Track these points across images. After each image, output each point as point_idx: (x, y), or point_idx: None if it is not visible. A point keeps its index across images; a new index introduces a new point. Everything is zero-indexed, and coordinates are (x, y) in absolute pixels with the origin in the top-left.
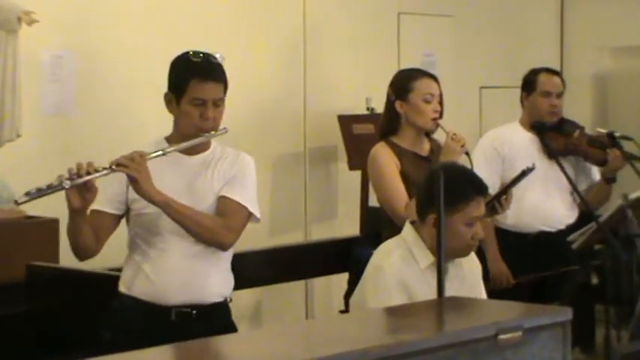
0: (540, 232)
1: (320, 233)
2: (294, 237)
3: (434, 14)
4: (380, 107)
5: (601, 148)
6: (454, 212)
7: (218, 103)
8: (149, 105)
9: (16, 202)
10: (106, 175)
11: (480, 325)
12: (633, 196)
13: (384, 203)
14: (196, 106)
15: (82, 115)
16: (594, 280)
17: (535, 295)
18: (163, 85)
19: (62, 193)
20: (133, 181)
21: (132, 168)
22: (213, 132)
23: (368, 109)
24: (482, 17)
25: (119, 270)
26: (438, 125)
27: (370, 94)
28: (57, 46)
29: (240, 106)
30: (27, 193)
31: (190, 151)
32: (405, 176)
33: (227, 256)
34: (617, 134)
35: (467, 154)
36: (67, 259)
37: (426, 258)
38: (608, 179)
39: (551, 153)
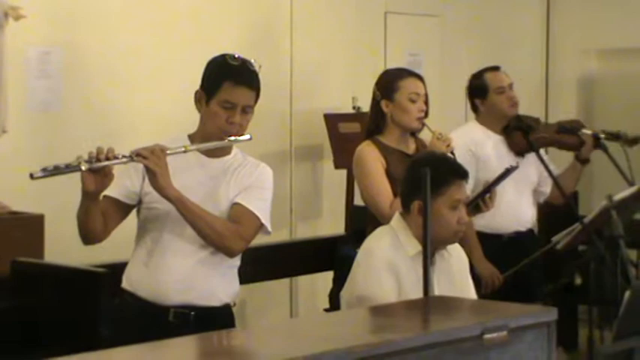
0: (515, 232)
1: (305, 231)
2: (279, 235)
3: (420, 14)
4: (366, 106)
5: (572, 133)
6: (436, 197)
7: (247, 110)
8: (137, 101)
9: (32, 177)
10: (124, 163)
11: (466, 325)
12: (618, 197)
13: (369, 202)
14: (225, 109)
15: (68, 112)
16: (578, 281)
17: (519, 294)
18: (151, 81)
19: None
20: (150, 174)
21: (151, 160)
22: (236, 137)
23: (354, 108)
24: (468, 17)
25: (104, 266)
26: (423, 125)
27: (356, 93)
28: (44, 42)
29: None
30: (44, 169)
31: (211, 154)
32: (390, 175)
33: (232, 263)
34: (602, 136)
35: (452, 153)
36: (51, 255)
37: (414, 246)
38: (584, 161)
39: (522, 151)
